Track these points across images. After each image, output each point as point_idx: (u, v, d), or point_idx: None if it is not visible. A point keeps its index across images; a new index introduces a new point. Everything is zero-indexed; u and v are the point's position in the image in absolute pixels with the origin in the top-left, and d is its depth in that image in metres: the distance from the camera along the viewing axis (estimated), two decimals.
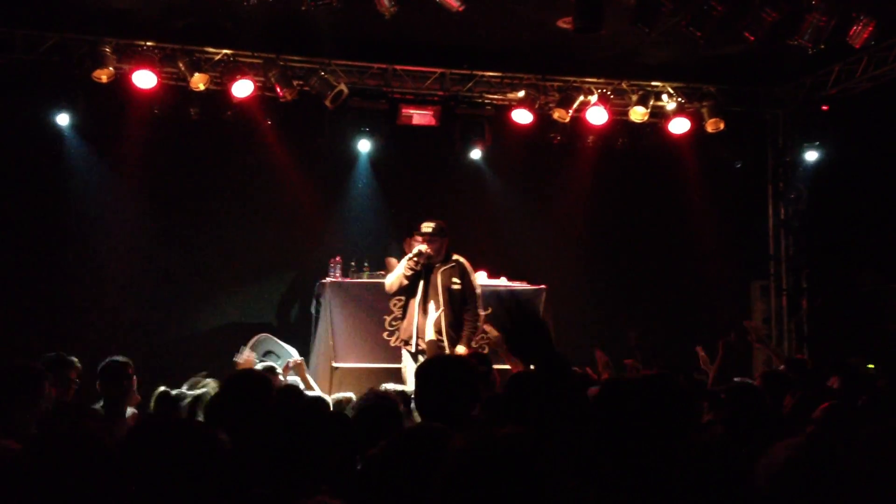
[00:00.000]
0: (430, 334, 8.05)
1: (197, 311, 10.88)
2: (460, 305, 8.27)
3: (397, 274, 8.38)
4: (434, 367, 3.60)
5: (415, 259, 8.23)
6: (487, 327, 8.39)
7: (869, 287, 11.37)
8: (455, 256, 8.37)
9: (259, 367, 6.78)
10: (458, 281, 8.23)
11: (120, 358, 5.77)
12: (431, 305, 8.17)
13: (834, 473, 2.61)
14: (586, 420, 2.98)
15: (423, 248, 8.21)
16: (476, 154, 11.35)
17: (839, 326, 11.33)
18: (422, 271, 8.26)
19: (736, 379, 3.77)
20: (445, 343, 8.07)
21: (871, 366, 8.35)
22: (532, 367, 3.09)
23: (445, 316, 8.14)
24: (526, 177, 11.79)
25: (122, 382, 5.64)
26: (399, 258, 9.74)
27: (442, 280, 8.19)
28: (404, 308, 8.50)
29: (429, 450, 2.56)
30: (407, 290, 8.37)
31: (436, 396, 3.41)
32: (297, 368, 7.23)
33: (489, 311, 8.93)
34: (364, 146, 11.19)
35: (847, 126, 10.95)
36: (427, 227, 8.27)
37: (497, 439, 1.99)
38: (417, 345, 8.16)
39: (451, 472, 1.99)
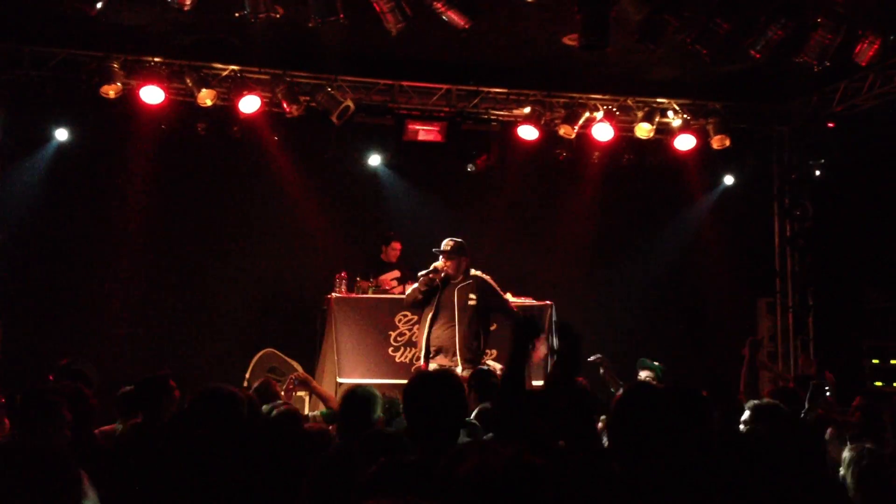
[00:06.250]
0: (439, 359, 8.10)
1: (202, 325, 10.88)
2: (478, 322, 8.21)
3: (412, 287, 8.41)
4: (420, 382, 3.60)
5: (430, 275, 8.25)
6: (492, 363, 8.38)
7: (874, 304, 11.35)
8: (473, 272, 8.35)
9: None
10: (474, 297, 8.18)
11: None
12: (444, 327, 8.19)
13: None
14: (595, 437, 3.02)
15: (439, 264, 8.22)
16: (481, 170, 11.36)
17: (844, 343, 11.31)
18: (438, 288, 8.24)
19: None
20: (459, 361, 8.06)
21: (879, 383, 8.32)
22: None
23: (460, 334, 8.12)
24: (531, 193, 11.80)
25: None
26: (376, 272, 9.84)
27: (458, 298, 8.18)
28: (422, 323, 8.40)
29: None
30: (421, 306, 8.37)
31: (423, 412, 3.41)
32: (303, 383, 7.11)
33: (494, 326, 8.94)
34: (370, 162, 11.26)
35: (852, 143, 10.95)
36: (445, 244, 8.29)
37: (502, 462, 2.00)
38: (426, 361, 8.14)
39: (458, 495, 2.00)
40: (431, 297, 8.23)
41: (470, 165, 11.19)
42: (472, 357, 8.08)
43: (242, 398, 3.96)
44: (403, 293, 9.33)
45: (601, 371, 7.76)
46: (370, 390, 4.64)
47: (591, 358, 7.83)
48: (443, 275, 8.21)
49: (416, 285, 8.36)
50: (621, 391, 3.47)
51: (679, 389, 3.79)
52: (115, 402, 5.99)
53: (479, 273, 8.39)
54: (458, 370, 7.81)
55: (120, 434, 5.55)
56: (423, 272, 8.33)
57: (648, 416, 3.24)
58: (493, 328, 8.90)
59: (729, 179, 11.87)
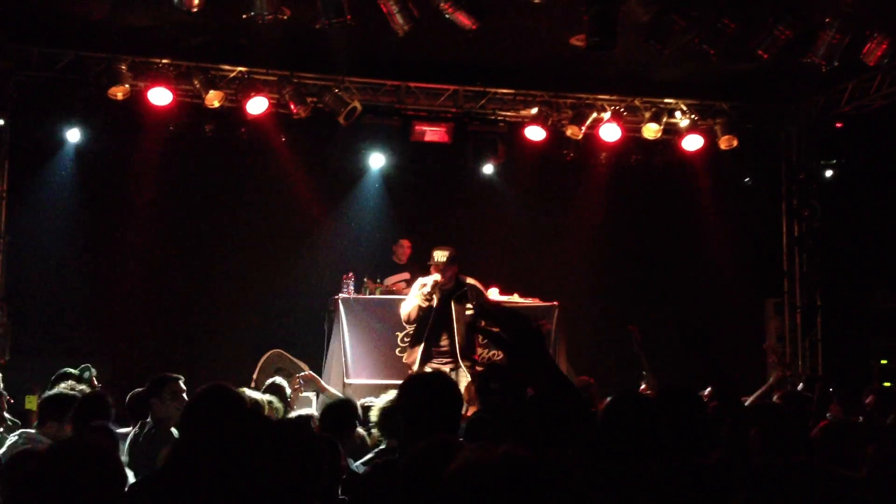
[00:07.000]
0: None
1: (209, 326, 10.90)
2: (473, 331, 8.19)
3: (413, 304, 8.30)
4: (416, 383, 3.59)
5: (430, 291, 8.20)
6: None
7: (882, 304, 11.32)
8: (468, 281, 8.34)
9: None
10: (471, 307, 8.19)
11: None
12: (442, 336, 8.19)
13: None
14: (592, 440, 3.00)
15: (437, 278, 8.17)
16: (489, 171, 11.36)
17: (853, 344, 11.30)
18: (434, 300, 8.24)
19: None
20: (464, 371, 8.06)
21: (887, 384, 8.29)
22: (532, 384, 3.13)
23: (459, 344, 8.15)
24: (538, 193, 11.80)
25: None
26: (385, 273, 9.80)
27: (456, 309, 8.16)
28: (416, 334, 8.40)
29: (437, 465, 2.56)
30: (419, 318, 8.35)
31: (419, 413, 3.40)
32: (309, 383, 7.16)
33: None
34: (377, 162, 11.27)
35: (861, 143, 10.92)
36: (441, 255, 8.23)
37: (496, 458, 1.98)
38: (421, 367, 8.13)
39: (450, 491, 1.98)
40: (429, 311, 8.21)
41: (488, 167, 11.23)
42: (471, 364, 8.12)
43: (243, 395, 3.98)
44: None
45: (635, 349, 7.46)
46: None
47: (630, 326, 7.57)
48: (440, 287, 8.19)
49: (416, 302, 8.28)
50: (609, 399, 3.42)
51: (672, 393, 3.74)
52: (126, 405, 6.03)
53: (472, 281, 8.34)
54: (461, 375, 7.84)
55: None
56: (421, 285, 8.26)
57: (636, 425, 3.21)
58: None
59: (737, 180, 11.83)
